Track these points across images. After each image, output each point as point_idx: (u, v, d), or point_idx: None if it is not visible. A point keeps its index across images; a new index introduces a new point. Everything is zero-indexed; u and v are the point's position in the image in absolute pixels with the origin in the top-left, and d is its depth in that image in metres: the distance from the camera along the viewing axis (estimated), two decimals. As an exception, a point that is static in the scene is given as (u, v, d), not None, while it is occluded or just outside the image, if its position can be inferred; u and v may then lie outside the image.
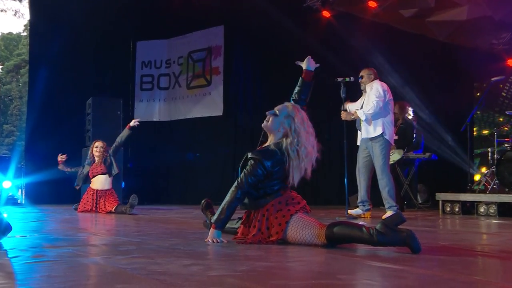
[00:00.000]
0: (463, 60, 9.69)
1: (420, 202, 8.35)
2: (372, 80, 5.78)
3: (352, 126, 6.01)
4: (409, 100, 8.42)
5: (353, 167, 6.02)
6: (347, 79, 5.71)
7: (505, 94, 10.80)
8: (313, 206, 7.26)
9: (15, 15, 32.41)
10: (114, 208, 6.41)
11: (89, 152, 6.86)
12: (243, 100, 9.72)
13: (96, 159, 6.77)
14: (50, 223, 4.76)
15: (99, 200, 6.57)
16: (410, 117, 7.56)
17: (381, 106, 5.56)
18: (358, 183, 5.87)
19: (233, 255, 2.54)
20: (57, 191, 8.37)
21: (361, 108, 5.79)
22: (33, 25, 9.75)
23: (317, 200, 9.29)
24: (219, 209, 3.06)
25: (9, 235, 2.93)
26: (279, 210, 2.98)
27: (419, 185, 8.68)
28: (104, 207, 6.51)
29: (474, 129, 8.51)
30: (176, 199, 9.56)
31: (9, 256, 2.46)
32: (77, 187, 6.93)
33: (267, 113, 3.29)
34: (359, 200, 5.84)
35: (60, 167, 6.76)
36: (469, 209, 6.47)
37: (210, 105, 9.67)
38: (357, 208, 5.83)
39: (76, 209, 6.65)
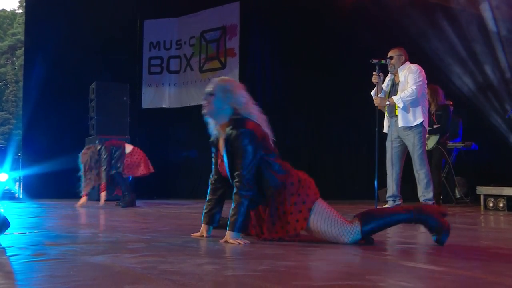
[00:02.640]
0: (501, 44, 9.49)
1: (458, 196, 8.27)
2: (403, 62, 5.73)
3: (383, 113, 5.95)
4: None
5: (382, 157, 5.97)
6: (383, 61, 5.67)
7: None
8: (338, 201, 7.27)
9: (9, -10, 32.57)
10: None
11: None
12: (261, 85, 9.70)
13: None
14: (51, 219, 4.83)
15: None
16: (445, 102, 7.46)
17: (420, 92, 5.52)
18: (388, 176, 5.84)
19: (251, 253, 2.55)
20: (57, 185, 8.45)
21: (390, 92, 5.74)
22: (30, 2, 9.81)
23: (343, 194, 9.27)
24: (237, 211, 2.94)
25: (6, 232, 2.97)
26: (293, 194, 2.93)
27: (457, 177, 8.59)
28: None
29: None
30: (188, 193, 9.62)
31: (8, 254, 2.50)
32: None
33: (203, 99, 3.23)
34: (389, 194, 5.81)
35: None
36: (516, 204, 6.38)
37: (224, 89, 9.68)
38: (386, 204, 5.81)
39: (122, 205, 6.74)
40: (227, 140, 3.03)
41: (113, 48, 9.10)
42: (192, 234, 3.28)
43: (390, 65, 5.78)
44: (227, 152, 3.04)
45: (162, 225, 4.20)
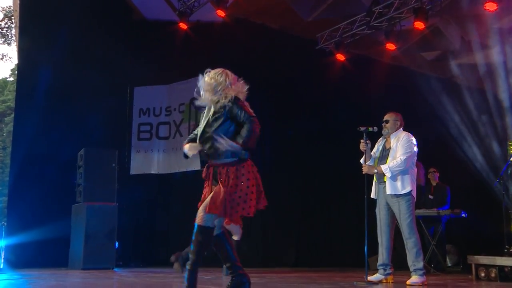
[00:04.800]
0: (494, 108, 9.81)
1: (449, 265, 8.23)
2: (398, 128, 5.82)
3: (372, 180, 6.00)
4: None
5: (372, 225, 5.97)
6: (370, 128, 5.76)
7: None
8: (328, 268, 7.20)
9: (1, 59, 33.11)
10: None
11: None
12: (250, 150, 9.78)
13: None
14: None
15: None
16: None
17: (409, 163, 5.58)
18: (379, 244, 5.81)
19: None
20: (42, 254, 8.23)
21: (380, 156, 5.81)
22: (21, 70, 9.93)
23: (333, 261, 9.19)
24: None
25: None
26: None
27: (447, 245, 8.58)
28: None
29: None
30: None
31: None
32: None
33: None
34: (379, 262, 5.77)
35: None
36: (508, 275, 6.34)
37: (213, 156, 9.71)
38: (377, 273, 5.75)
39: None
40: None
41: (102, 115, 9.17)
42: None
43: (385, 129, 5.86)
44: None
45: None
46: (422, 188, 7.84)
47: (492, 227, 8.38)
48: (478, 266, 6.54)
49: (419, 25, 8.35)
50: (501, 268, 6.31)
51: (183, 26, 9.48)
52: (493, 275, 6.34)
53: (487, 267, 6.41)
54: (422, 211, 7.69)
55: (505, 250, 6.86)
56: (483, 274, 6.45)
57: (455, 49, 9.77)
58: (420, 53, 10.39)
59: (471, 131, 10.16)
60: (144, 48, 9.72)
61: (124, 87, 10.01)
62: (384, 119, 5.88)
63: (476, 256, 6.62)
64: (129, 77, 9.71)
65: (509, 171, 7.64)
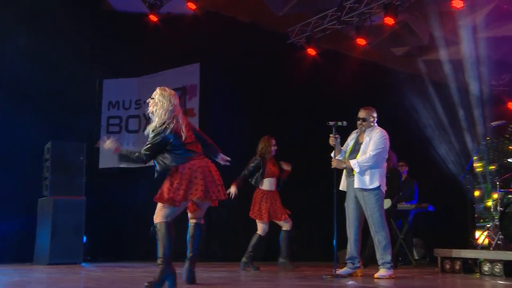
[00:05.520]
0: (461, 102, 9.98)
1: (416, 258, 8.35)
2: (373, 124, 5.84)
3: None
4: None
5: (342, 219, 6.01)
6: (339, 123, 5.76)
7: (506, 138, 11.00)
8: (298, 262, 7.23)
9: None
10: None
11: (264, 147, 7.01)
12: (221, 146, 9.75)
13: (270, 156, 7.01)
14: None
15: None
16: (396, 166, 7.67)
17: (378, 159, 5.62)
18: (348, 237, 5.85)
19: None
20: (6, 248, 8.07)
21: (352, 150, 5.83)
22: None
23: (303, 255, 9.24)
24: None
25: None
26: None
27: (415, 239, 8.71)
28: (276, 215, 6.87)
29: (480, 164, 8.60)
30: (146, 254, 9.37)
31: None
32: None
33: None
34: (348, 256, 5.81)
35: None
36: (471, 267, 6.48)
37: (184, 150, 9.66)
38: (346, 267, 5.79)
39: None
40: None
41: (70, 107, 9.03)
42: None
43: (361, 126, 5.82)
44: None
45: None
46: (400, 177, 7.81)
47: (458, 220, 8.55)
48: (444, 258, 6.66)
49: (389, 20, 8.44)
50: (465, 260, 6.44)
51: (153, 18, 9.39)
52: (457, 267, 6.48)
53: (452, 259, 6.54)
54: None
55: (469, 243, 7.00)
56: (448, 267, 6.58)
57: (424, 45, 9.90)
58: (390, 49, 10.49)
59: (439, 126, 10.33)
60: (113, 40, 9.58)
61: (93, 80, 9.87)
62: (361, 117, 5.80)
63: (441, 249, 6.75)
64: (98, 70, 9.58)
65: (474, 166, 7.78)
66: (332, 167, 5.81)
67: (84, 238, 7.92)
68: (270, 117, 9.78)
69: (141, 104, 10.31)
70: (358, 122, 5.83)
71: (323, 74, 9.80)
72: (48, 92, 8.89)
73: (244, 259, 6.87)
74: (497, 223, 7.03)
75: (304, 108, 9.82)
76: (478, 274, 6.22)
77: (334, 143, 5.81)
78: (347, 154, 5.88)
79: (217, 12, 9.67)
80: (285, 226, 7.02)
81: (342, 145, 5.99)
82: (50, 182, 7.74)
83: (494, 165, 8.20)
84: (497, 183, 7.36)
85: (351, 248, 5.78)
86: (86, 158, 8.24)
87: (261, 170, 6.98)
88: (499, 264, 6.04)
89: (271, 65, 9.81)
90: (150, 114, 4.43)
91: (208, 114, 9.85)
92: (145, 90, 10.31)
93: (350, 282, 5.11)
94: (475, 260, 6.39)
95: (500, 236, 6.85)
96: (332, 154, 5.91)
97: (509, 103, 11.45)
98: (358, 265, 5.79)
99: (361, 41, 9.32)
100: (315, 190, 9.72)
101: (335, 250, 5.78)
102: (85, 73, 9.29)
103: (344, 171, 5.92)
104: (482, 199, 8.57)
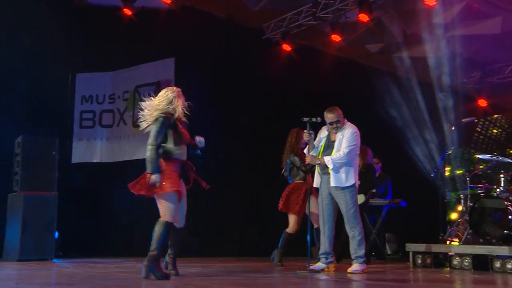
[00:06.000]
0: (434, 99, 10.12)
1: (389, 253, 8.45)
2: (344, 122, 5.86)
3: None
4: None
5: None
6: (314, 119, 5.77)
7: (478, 132, 11.18)
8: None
9: None
10: None
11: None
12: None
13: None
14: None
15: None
16: (371, 161, 7.73)
17: (352, 156, 5.65)
18: (321, 233, 5.88)
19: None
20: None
21: (324, 149, 5.85)
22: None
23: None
24: None
25: None
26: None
27: (387, 234, 8.81)
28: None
29: (448, 169, 8.77)
30: (121, 250, 9.31)
31: None
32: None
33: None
34: (322, 251, 5.84)
35: None
36: (442, 261, 6.58)
37: (159, 144, 9.58)
38: (319, 262, 5.82)
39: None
40: None
41: (42, 101, 8.88)
42: None
43: (336, 128, 5.78)
44: None
45: (87, 286, 4.03)
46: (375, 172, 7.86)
47: (430, 216, 8.66)
48: (415, 253, 6.76)
49: (363, 17, 8.50)
50: (436, 255, 6.55)
51: (127, 12, 9.27)
52: (428, 261, 6.58)
53: (424, 254, 6.64)
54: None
55: (440, 238, 7.10)
56: (419, 261, 6.67)
57: (397, 42, 10.00)
58: (364, 45, 10.57)
59: (412, 123, 10.45)
60: (86, 33, 9.43)
61: (65, 74, 9.71)
62: (334, 120, 5.73)
63: (413, 244, 6.84)
64: (71, 64, 9.43)
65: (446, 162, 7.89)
66: (306, 162, 5.84)
67: (56, 234, 7.80)
68: (244, 112, 9.78)
69: (115, 98, 10.21)
70: (332, 126, 5.77)
71: (298, 69, 9.83)
72: (19, 86, 8.73)
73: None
74: (466, 218, 7.14)
75: (278, 104, 9.83)
76: (448, 267, 6.32)
77: (308, 139, 5.82)
78: (320, 151, 5.89)
79: (192, 7, 9.60)
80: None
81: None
82: (20, 177, 7.59)
83: (461, 171, 8.37)
84: (467, 178, 7.48)
85: (326, 243, 5.81)
86: (59, 152, 8.11)
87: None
88: (468, 258, 6.16)
89: (246, 60, 9.79)
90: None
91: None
92: (119, 84, 10.23)
93: (323, 277, 5.14)
94: (445, 254, 6.50)
95: (469, 231, 6.97)
96: (306, 150, 5.93)
97: (480, 100, 11.65)
98: (332, 260, 5.84)
99: (336, 38, 9.37)
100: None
101: (308, 246, 5.81)
102: (57, 67, 9.12)
103: (318, 168, 5.94)
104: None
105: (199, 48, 9.50)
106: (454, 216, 7.94)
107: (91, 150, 10.05)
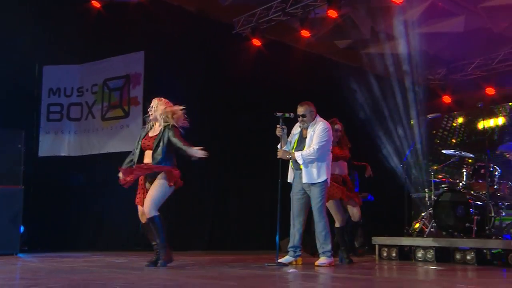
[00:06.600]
0: (400, 95, 10.25)
1: (356, 246, 8.52)
2: (314, 117, 5.87)
3: (287, 165, 6.06)
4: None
5: (286, 208, 6.06)
6: (287, 114, 5.78)
7: (441, 130, 11.40)
8: (241, 251, 7.27)
9: None
10: None
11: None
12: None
13: None
14: None
15: None
16: None
17: (322, 152, 5.67)
18: (291, 227, 5.90)
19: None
20: None
21: (296, 145, 5.86)
22: None
23: (247, 245, 9.29)
24: None
25: None
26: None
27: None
28: None
29: (413, 164, 8.93)
30: (87, 244, 9.19)
31: None
32: None
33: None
34: (291, 244, 5.87)
35: None
36: (407, 254, 6.69)
37: (128, 138, 9.46)
38: (287, 255, 5.85)
39: None
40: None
41: (7, 93, 8.68)
42: None
43: (303, 122, 5.84)
44: None
45: (52, 281, 3.96)
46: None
47: (395, 210, 8.79)
48: (381, 246, 6.86)
49: (332, 13, 8.54)
50: (401, 247, 6.66)
51: (96, 4, 9.13)
52: (394, 254, 6.68)
53: (389, 247, 6.74)
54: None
55: (405, 231, 7.21)
56: (385, 254, 6.78)
57: (365, 38, 10.08)
58: (333, 41, 10.63)
59: (379, 118, 10.58)
60: (54, 25, 9.24)
61: (32, 66, 9.50)
62: (300, 114, 5.81)
63: (379, 237, 6.94)
64: (38, 56, 9.23)
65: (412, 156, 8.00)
66: (277, 157, 5.84)
67: (22, 228, 7.64)
68: (215, 107, 9.74)
69: (83, 91, 10.04)
70: (299, 119, 5.86)
71: (268, 65, 9.84)
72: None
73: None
74: (431, 211, 7.28)
75: (249, 99, 9.82)
76: (413, 260, 6.43)
77: (280, 133, 5.84)
78: (293, 147, 5.91)
79: (162, 0, 9.50)
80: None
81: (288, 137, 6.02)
82: (-16, 170, 7.41)
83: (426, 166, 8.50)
84: (431, 173, 7.62)
85: (295, 237, 5.84)
86: (25, 146, 7.93)
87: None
88: (431, 251, 6.28)
89: (216, 55, 9.75)
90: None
91: (153, 103, 9.68)
92: (88, 77, 10.06)
93: (290, 270, 5.17)
94: (410, 247, 6.61)
95: (433, 224, 7.11)
96: (279, 146, 5.94)
97: (444, 97, 11.85)
98: (299, 253, 5.87)
99: (305, 33, 9.41)
100: (260, 181, 9.78)
101: (277, 239, 5.83)
102: (24, 59, 8.93)
103: (290, 163, 5.96)
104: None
105: (169, 42, 9.43)
106: (416, 225, 8.02)
107: (59, 143, 9.87)
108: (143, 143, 5.46)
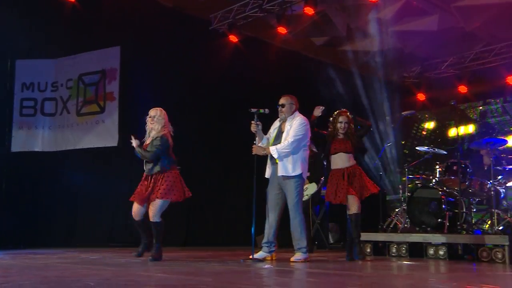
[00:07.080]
0: (376, 92, 10.33)
1: (331, 242, 8.58)
2: (294, 111, 5.86)
3: (263, 160, 6.05)
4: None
5: (262, 204, 6.05)
6: (262, 110, 5.77)
7: (416, 125, 11.52)
8: (218, 247, 7.26)
9: None
10: None
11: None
12: (141, 130, 9.55)
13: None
14: None
15: None
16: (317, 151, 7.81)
17: (296, 146, 5.66)
18: (266, 222, 5.90)
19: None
20: None
21: (275, 139, 5.86)
22: None
23: (223, 241, 9.27)
24: None
25: None
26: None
27: (330, 224, 8.95)
28: None
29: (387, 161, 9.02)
30: (61, 241, 9.08)
31: None
32: None
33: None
34: (265, 240, 5.86)
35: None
36: (381, 249, 6.75)
37: (103, 134, 9.37)
38: (261, 251, 5.84)
39: None
40: None
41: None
42: None
43: (281, 113, 5.86)
44: None
45: (25, 278, 3.89)
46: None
47: (370, 206, 8.85)
48: (356, 242, 6.89)
49: (309, 10, 8.57)
50: (375, 243, 6.72)
51: (70, -3, 8.98)
52: (368, 249, 6.74)
53: (364, 242, 6.79)
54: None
55: (379, 227, 7.28)
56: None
57: (341, 35, 10.13)
58: (310, 38, 10.66)
59: (355, 114, 10.63)
60: (28, 19, 9.07)
61: (4, 60, 9.32)
62: (280, 103, 5.83)
63: (354, 233, 6.96)
64: (10, 49, 9.06)
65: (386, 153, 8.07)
66: (252, 153, 5.83)
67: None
68: (191, 103, 9.69)
69: (58, 86, 9.88)
70: (279, 109, 5.87)
71: (245, 61, 9.83)
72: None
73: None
74: (404, 207, 7.35)
75: (225, 95, 9.80)
76: (387, 255, 6.49)
77: (255, 130, 5.82)
78: (271, 142, 5.90)
79: (138, -5, 9.41)
80: None
81: (264, 133, 6.01)
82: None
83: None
84: (406, 170, 7.70)
85: (270, 233, 5.83)
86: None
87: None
88: (404, 246, 6.35)
89: (193, 50, 9.69)
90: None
91: (128, 99, 9.59)
92: (63, 72, 9.90)
93: (266, 266, 5.17)
94: (384, 242, 6.67)
95: (407, 220, 7.19)
96: (255, 142, 5.92)
97: (418, 94, 11.98)
98: (274, 249, 5.87)
99: (282, 30, 9.42)
100: (236, 176, 9.77)
101: (253, 235, 5.83)
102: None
103: (268, 159, 5.95)
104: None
105: (146, 37, 9.34)
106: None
107: (32, 139, 9.70)
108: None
